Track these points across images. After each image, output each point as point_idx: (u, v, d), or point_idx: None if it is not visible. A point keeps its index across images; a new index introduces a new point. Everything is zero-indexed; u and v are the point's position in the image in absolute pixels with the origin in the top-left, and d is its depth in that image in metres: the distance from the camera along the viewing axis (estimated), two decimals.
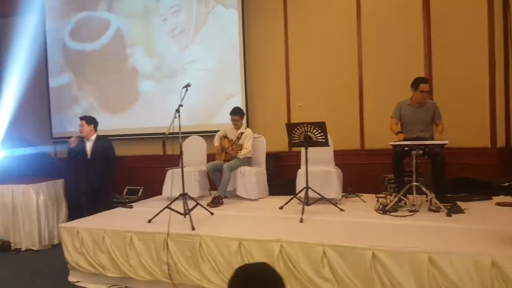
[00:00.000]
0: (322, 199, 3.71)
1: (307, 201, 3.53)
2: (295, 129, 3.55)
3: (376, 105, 5.26)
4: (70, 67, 6.56)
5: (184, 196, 3.40)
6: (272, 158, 5.53)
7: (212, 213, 3.57)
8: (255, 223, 3.24)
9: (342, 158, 5.29)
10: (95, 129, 4.38)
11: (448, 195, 3.87)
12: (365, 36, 5.36)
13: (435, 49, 5.08)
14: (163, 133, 3.52)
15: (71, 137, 4.39)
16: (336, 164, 5.11)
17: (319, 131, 3.47)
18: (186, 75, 6.07)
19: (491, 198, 3.87)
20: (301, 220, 3.17)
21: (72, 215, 4.60)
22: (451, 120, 4.80)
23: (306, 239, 2.67)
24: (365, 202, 3.98)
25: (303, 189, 3.61)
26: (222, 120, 5.69)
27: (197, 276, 2.90)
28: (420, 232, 2.78)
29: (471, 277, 2.21)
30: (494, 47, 4.54)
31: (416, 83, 3.69)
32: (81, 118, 4.40)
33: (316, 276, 2.53)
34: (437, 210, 3.29)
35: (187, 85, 3.56)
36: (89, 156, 4.24)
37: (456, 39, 4.83)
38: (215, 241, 2.87)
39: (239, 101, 5.83)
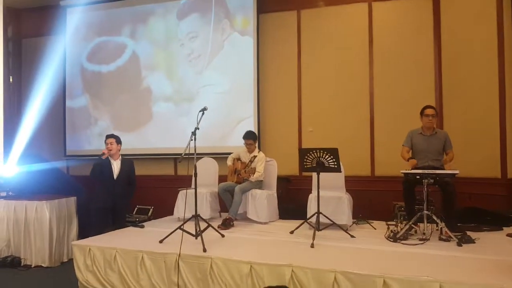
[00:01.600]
0: (333, 225, 3.74)
1: (318, 226, 3.56)
2: (308, 154, 3.63)
3: (387, 132, 5.35)
4: (87, 88, 6.80)
5: (196, 217, 3.45)
6: (283, 182, 5.60)
7: (223, 235, 3.62)
8: (266, 247, 3.27)
9: (352, 184, 5.32)
10: (120, 149, 4.45)
11: (458, 224, 3.88)
12: (376, 64, 5.52)
13: (446, 78, 5.19)
14: (176, 154, 3.62)
15: (99, 155, 4.35)
16: (347, 190, 5.16)
17: (332, 157, 3.55)
18: (200, 98, 6.25)
19: (502, 229, 3.86)
20: (312, 245, 3.20)
21: (83, 233, 4.66)
22: (462, 150, 4.84)
23: (317, 265, 2.69)
24: (375, 229, 3.99)
25: (314, 214, 3.65)
26: (234, 143, 5.81)
27: None
28: (431, 261, 2.79)
29: None
30: (504, 77, 4.65)
31: (422, 110, 3.84)
32: (110, 136, 4.41)
33: None
34: (447, 240, 3.30)
35: (204, 109, 3.69)
36: (115, 176, 4.28)
37: (467, 69, 4.96)
38: (226, 264, 2.90)
39: (251, 124, 5.96)
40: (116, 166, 4.32)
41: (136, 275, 3.18)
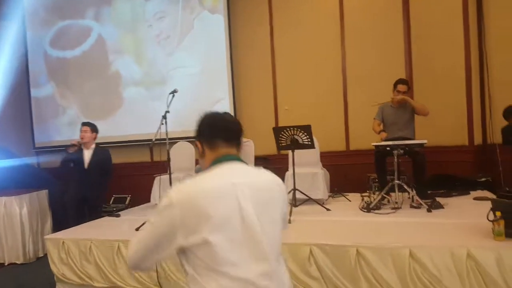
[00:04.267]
0: (309, 200, 3.81)
1: (294, 203, 3.62)
2: (282, 133, 3.65)
3: (360, 107, 5.41)
4: (52, 76, 6.51)
5: None
6: (262, 162, 5.61)
7: None
8: None
9: (328, 160, 5.42)
10: (95, 137, 4.32)
11: (429, 191, 4.03)
12: (348, 41, 5.53)
13: (415, 52, 5.26)
14: (150, 140, 3.56)
15: (68, 145, 4.20)
16: (323, 165, 5.25)
17: (305, 134, 3.58)
18: (172, 80, 6.10)
19: (469, 193, 4.04)
20: (289, 221, 3.25)
21: (58, 226, 4.54)
22: (432, 120, 4.96)
23: (293, 239, 2.74)
24: (350, 201, 4.09)
25: (290, 191, 3.70)
26: None
27: None
28: (402, 228, 2.90)
29: (449, 269, 2.32)
30: (470, 49, 4.76)
31: (395, 84, 3.88)
32: (85, 124, 4.26)
33: (304, 275, 2.61)
34: (418, 207, 3.43)
35: (174, 91, 3.62)
36: (86, 165, 4.14)
37: (435, 42, 5.03)
38: None
39: (227, 106, 5.91)
40: (87, 155, 4.19)
41: (114, 264, 3.13)
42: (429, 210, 3.29)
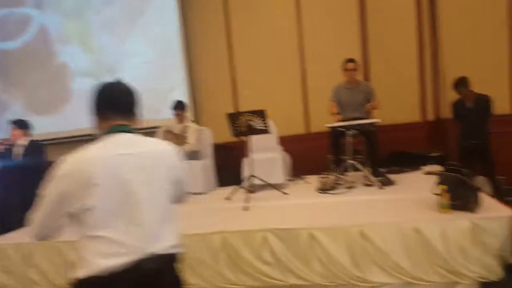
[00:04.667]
0: (268, 186, 3.80)
1: (252, 189, 3.59)
2: (236, 119, 3.57)
3: (319, 88, 5.41)
4: None
5: None
6: (223, 149, 5.54)
7: None
8: (199, 216, 3.24)
9: (290, 143, 5.43)
10: (28, 134, 4.10)
11: (382, 169, 4.13)
12: (305, 21, 5.48)
13: (370, 31, 5.29)
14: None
15: None
16: (285, 150, 5.25)
17: (260, 119, 3.53)
18: (124, 70, 5.85)
19: (420, 168, 4.17)
20: (246, 208, 3.23)
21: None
22: (387, 98, 5.04)
23: (248, 226, 2.72)
24: (309, 183, 4.11)
25: (248, 178, 3.66)
26: (168, 115, 5.58)
27: None
28: (355, 207, 2.95)
29: (397, 243, 2.39)
30: (422, 25, 4.87)
31: (343, 64, 3.88)
32: (12, 122, 4.10)
33: (257, 261, 2.59)
34: (371, 185, 3.50)
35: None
36: (15, 162, 3.96)
37: (388, 20, 5.10)
38: None
39: (183, 93, 5.74)
40: (16, 151, 3.99)
41: (58, 266, 2.95)
42: (381, 187, 3.36)
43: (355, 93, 3.93)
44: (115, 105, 1.33)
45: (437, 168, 4.08)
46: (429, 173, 3.81)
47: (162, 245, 1.27)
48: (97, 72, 5.88)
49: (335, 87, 4.05)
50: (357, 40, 5.35)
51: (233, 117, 3.56)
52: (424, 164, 4.36)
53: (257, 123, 3.54)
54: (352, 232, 2.46)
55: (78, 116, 5.90)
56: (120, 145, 1.27)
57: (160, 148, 1.37)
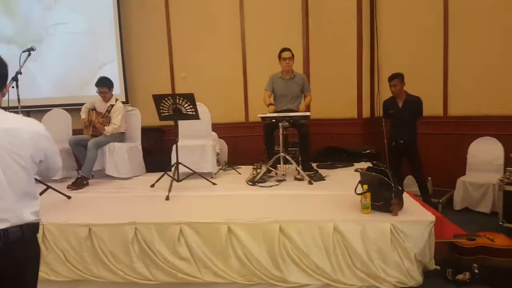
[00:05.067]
0: (196, 175, 3.60)
1: (177, 177, 3.36)
2: (163, 101, 3.30)
3: (259, 77, 5.25)
4: None
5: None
6: (155, 133, 5.23)
7: (69, 197, 3.17)
8: (115, 205, 2.96)
9: (229, 131, 5.28)
10: None
11: (315, 164, 4.12)
12: (247, 7, 5.30)
13: (312, 24, 5.24)
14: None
15: None
16: (223, 137, 5.07)
17: (188, 103, 3.28)
18: (51, 39, 5.29)
19: (352, 165, 4.22)
20: (167, 198, 3.00)
21: None
22: (326, 94, 5.11)
23: (165, 218, 2.51)
24: (240, 174, 3.98)
25: (173, 165, 3.43)
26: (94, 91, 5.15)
27: (43, 269, 2.53)
28: (279, 202, 2.85)
29: (317, 243, 2.32)
30: (361, 21, 4.87)
31: (279, 53, 3.77)
32: None
33: (172, 256, 2.41)
34: (301, 179, 3.44)
35: (30, 49, 3.02)
36: None
37: (329, 13, 5.06)
38: (61, 229, 2.52)
39: (115, 70, 5.33)
40: None
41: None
42: (310, 183, 3.32)
43: (291, 84, 3.84)
44: None
45: (369, 165, 4.17)
46: (360, 170, 3.84)
47: (18, 219, 1.31)
48: (20, 40, 5.26)
49: (271, 76, 3.93)
50: (298, 31, 5.27)
51: (159, 100, 3.28)
52: (358, 160, 4.43)
53: (185, 108, 3.29)
54: (272, 229, 2.36)
55: None
56: None
57: (23, 126, 1.36)
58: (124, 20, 5.33)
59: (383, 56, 5.00)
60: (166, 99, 3.27)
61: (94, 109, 4.14)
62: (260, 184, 3.35)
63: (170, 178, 3.33)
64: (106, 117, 3.97)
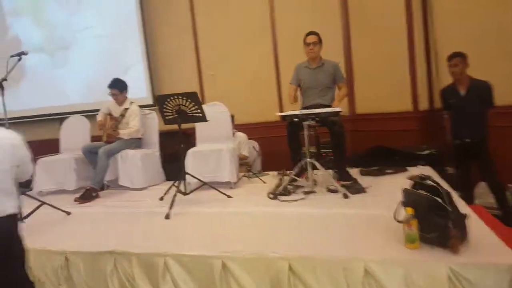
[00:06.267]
0: (213, 184, 3.10)
1: (185, 190, 2.88)
2: (167, 102, 2.83)
3: (292, 70, 4.65)
4: None
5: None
6: (182, 137, 4.83)
7: (68, 213, 2.85)
8: (106, 226, 2.54)
9: (262, 132, 4.74)
10: None
11: (359, 168, 3.40)
12: (278, 2, 4.68)
13: (353, 16, 4.47)
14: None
15: None
16: (255, 138, 4.54)
17: (192, 103, 2.78)
18: (78, 44, 5.18)
19: (406, 170, 3.40)
20: (167, 216, 2.53)
21: None
22: (372, 85, 4.34)
23: (151, 247, 2.03)
24: (265, 183, 3.38)
25: (182, 175, 2.94)
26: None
27: None
28: (300, 224, 2.23)
29: None
30: (411, 6, 3.99)
31: (304, 38, 3.11)
32: None
33: None
34: (335, 190, 2.76)
35: (21, 53, 2.74)
36: None
37: (374, 6, 4.25)
38: (38, 256, 2.17)
39: (141, 72, 5.07)
40: None
41: None
42: (345, 196, 2.62)
43: (319, 74, 3.15)
44: None
45: (428, 170, 3.31)
46: (413, 177, 3.03)
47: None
48: (49, 48, 5.26)
49: (296, 66, 3.28)
50: (337, 15, 4.51)
51: (162, 101, 2.82)
52: (413, 164, 3.58)
53: (189, 109, 2.79)
54: (279, 267, 1.75)
55: (30, 95, 5.35)
56: None
57: (3, 136, 1.68)
58: (149, 21, 5.05)
59: (440, 37, 4.05)
60: (170, 99, 2.80)
61: (110, 114, 3.84)
62: (282, 198, 2.73)
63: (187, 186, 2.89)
64: (118, 121, 3.64)
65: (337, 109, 2.64)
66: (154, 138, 3.88)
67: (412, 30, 4.02)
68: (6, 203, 1.67)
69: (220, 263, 1.83)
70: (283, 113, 2.81)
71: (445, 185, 2.72)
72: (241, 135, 4.20)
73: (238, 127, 4.39)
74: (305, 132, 2.73)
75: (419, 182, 1.81)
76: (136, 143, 3.75)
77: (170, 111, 2.85)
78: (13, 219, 1.70)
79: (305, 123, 2.69)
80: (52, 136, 5.35)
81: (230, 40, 4.91)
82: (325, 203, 2.57)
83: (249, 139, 4.32)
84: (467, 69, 3.03)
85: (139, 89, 4.90)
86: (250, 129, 4.56)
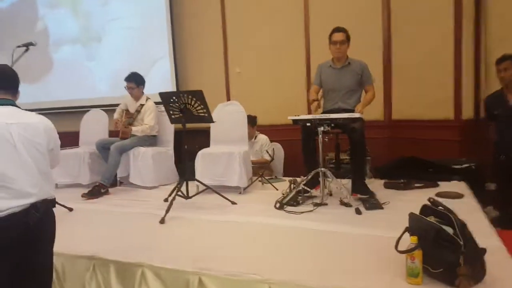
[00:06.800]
0: (219, 188, 2.92)
1: (187, 193, 2.72)
2: (172, 100, 2.69)
3: None
4: None
5: None
6: (202, 135, 4.73)
7: (70, 209, 2.80)
8: (99, 227, 2.45)
9: (288, 134, 4.48)
10: None
11: (384, 180, 3.06)
12: (312, 3, 4.41)
13: (395, 17, 4.08)
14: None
15: None
16: (280, 141, 4.32)
17: (198, 102, 2.61)
18: (107, 36, 5.23)
19: (437, 185, 3.00)
20: (162, 221, 2.39)
21: None
22: (410, 89, 3.94)
23: (129, 255, 1.87)
24: (277, 190, 3.13)
25: (183, 179, 2.79)
26: (149, 89, 4.89)
27: None
28: (298, 242, 1.98)
29: None
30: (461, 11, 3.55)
31: (330, 35, 2.79)
32: None
33: None
34: (349, 204, 2.46)
35: (29, 44, 2.73)
36: None
37: (419, 6, 3.85)
38: None
39: (167, 66, 5.02)
40: None
41: None
42: (358, 211, 2.32)
43: (344, 74, 2.84)
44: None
45: (462, 188, 2.89)
46: (444, 194, 2.64)
47: (40, 195, 1.55)
48: (83, 39, 5.36)
49: (319, 66, 2.99)
50: (378, 28, 4.13)
51: (166, 99, 2.68)
52: (447, 178, 3.17)
53: (195, 108, 2.62)
54: None
55: (58, 87, 5.47)
56: (6, 115, 1.51)
57: (38, 121, 1.60)
58: (177, 13, 4.98)
59: (491, 38, 3.56)
60: (175, 97, 2.65)
61: (127, 109, 3.80)
62: (289, 209, 2.48)
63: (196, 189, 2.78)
64: (133, 118, 3.58)
65: (356, 115, 2.34)
66: (169, 136, 3.77)
67: (461, 31, 3.57)
68: (50, 187, 1.64)
69: (197, 280, 1.64)
70: (294, 117, 2.54)
71: (474, 204, 2.35)
72: (262, 138, 3.98)
73: (262, 128, 4.20)
74: (320, 138, 2.45)
75: (428, 206, 1.49)
76: (151, 140, 3.67)
77: (176, 109, 2.71)
78: (53, 204, 1.68)
79: (320, 129, 2.41)
80: (76, 128, 5.53)
81: (260, 36, 4.70)
82: (333, 218, 2.29)
83: (273, 141, 4.11)
84: None
85: (165, 84, 4.84)
86: (276, 131, 4.35)
